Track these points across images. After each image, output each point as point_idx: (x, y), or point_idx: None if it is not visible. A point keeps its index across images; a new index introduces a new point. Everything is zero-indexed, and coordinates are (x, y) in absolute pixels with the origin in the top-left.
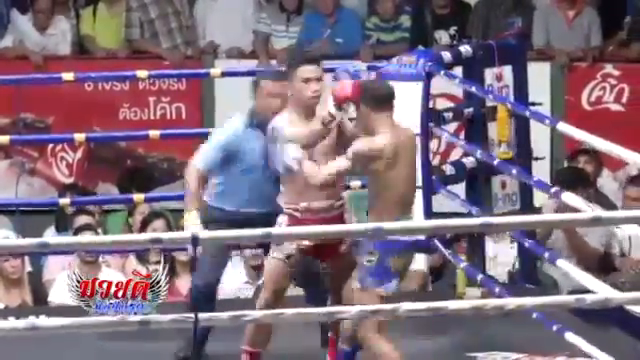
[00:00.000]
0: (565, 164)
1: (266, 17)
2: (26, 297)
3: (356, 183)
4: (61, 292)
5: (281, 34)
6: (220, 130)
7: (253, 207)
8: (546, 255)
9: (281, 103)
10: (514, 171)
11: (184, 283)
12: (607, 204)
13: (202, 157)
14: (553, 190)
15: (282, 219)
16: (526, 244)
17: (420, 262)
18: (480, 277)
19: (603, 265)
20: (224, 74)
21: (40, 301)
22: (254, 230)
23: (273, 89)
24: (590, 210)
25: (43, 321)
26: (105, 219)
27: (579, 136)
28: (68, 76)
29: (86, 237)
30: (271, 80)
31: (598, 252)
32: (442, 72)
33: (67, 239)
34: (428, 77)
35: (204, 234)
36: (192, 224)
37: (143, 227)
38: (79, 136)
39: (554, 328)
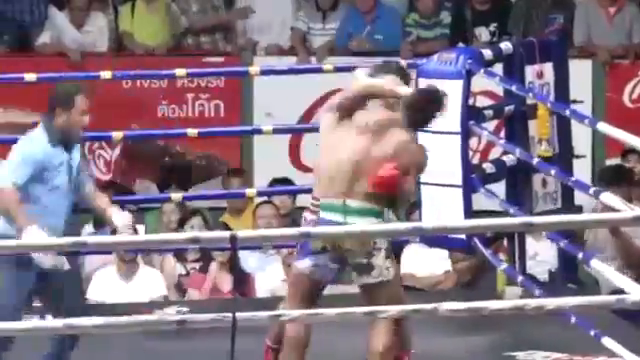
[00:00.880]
0: (607, 162)
1: (303, 15)
2: None
3: None
4: (99, 290)
5: (318, 31)
6: (25, 145)
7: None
8: (580, 255)
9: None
10: (553, 170)
11: (223, 282)
12: None
13: (14, 172)
14: (592, 190)
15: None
16: (561, 244)
17: (446, 264)
18: (520, 278)
19: None
20: (263, 72)
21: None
22: (292, 229)
23: (86, 106)
24: (630, 209)
25: (80, 320)
26: (142, 216)
27: (618, 136)
28: (106, 74)
29: (123, 236)
30: (85, 96)
31: None
32: (482, 70)
33: (105, 238)
34: (468, 75)
35: (242, 233)
36: (38, 235)
37: (181, 225)
38: (117, 134)
39: (592, 332)
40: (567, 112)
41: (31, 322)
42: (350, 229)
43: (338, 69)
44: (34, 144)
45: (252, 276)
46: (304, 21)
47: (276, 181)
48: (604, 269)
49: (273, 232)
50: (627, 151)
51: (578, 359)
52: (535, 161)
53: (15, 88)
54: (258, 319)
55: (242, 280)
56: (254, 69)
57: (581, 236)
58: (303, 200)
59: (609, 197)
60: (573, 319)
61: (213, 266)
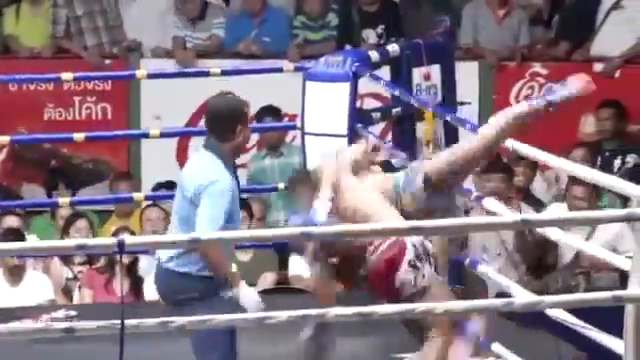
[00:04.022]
0: None
1: (177, 21)
2: None
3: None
4: None
5: (189, 38)
6: (216, 183)
7: None
8: (467, 262)
9: None
10: None
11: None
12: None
13: (214, 225)
14: (474, 195)
15: None
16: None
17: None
18: None
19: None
20: (150, 76)
21: None
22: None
23: None
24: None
25: None
26: (30, 220)
27: (507, 143)
28: None
29: (14, 243)
30: None
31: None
32: (368, 74)
33: None
34: (355, 77)
35: (130, 239)
36: (252, 295)
37: (66, 227)
38: (3, 138)
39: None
40: (449, 117)
41: None
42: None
43: (225, 72)
44: (222, 176)
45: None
46: (178, 27)
47: (161, 185)
48: (490, 272)
49: (160, 238)
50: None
51: None
52: None
53: None
54: (146, 326)
55: (135, 284)
56: (141, 72)
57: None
58: None
59: (491, 202)
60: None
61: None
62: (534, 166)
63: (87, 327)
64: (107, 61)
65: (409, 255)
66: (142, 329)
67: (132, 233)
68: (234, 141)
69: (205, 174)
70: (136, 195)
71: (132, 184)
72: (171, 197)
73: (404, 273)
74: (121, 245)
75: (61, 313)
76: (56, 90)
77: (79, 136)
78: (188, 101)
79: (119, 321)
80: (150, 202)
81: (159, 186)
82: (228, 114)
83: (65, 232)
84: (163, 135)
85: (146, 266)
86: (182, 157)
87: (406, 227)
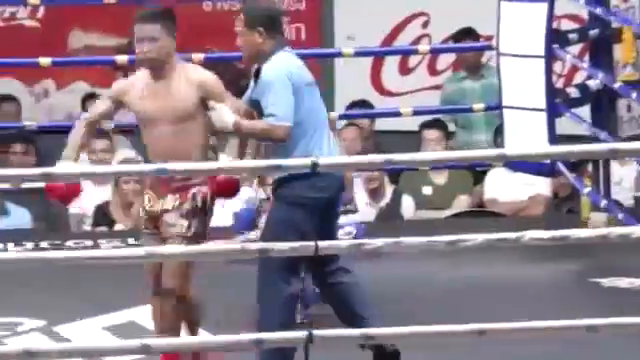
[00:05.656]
0: None
1: None
2: None
3: None
4: None
5: None
6: None
7: None
8: None
9: None
10: (634, 94)
11: None
12: None
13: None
14: None
15: None
16: None
17: (543, 187)
18: (604, 202)
19: None
20: None
21: None
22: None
23: None
24: None
25: (161, 249)
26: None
27: None
28: None
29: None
30: None
31: None
32: None
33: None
34: None
35: (323, 160)
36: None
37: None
38: (196, 56)
39: None
40: None
41: None
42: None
43: None
44: None
45: None
46: None
47: (354, 104)
48: None
49: (354, 159)
50: None
51: None
52: (618, 85)
53: (95, 9)
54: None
55: None
56: None
57: None
58: (383, 124)
59: None
60: None
61: None
62: None
63: (282, 248)
64: None
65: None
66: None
67: None
68: None
69: None
70: (330, 114)
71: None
72: (366, 116)
73: (175, 218)
74: (315, 165)
75: (255, 234)
76: None
77: None
78: (382, 21)
79: (312, 243)
80: (346, 122)
81: (353, 105)
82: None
83: (257, 152)
84: (357, 54)
85: None
86: (375, 77)
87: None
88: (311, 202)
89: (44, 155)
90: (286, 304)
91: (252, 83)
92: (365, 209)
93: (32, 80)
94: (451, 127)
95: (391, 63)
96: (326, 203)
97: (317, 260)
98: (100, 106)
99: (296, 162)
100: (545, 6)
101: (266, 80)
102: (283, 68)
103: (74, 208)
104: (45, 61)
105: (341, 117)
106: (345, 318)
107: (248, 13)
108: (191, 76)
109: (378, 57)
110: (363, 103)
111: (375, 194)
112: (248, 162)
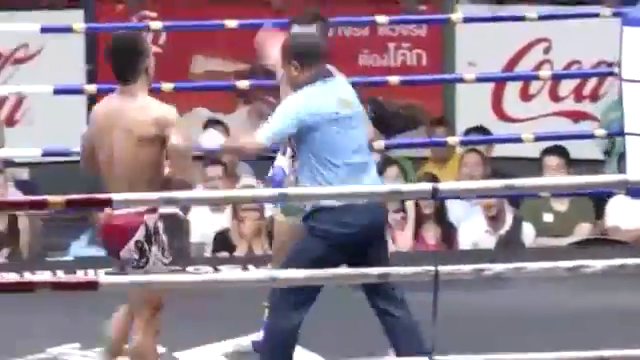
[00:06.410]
0: None
1: None
2: (264, 244)
3: None
4: None
5: None
6: None
7: None
8: None
9: None
10: None
11: (427, 233)
12: None
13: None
14: None
15: None
16: None
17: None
18: None
19: None
20: (465, 20)
21: None
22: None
23: None
24: None
25: (282, 272)
26: None
27: None
28: None
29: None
30: None
31: None
32: None
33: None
34: None
35: (444, 186)
36: None
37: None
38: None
39: None
40: None
41: None
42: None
43: (541, 17)
44: None
45: (455, 227)
46: None
47: (472, 130)
48: None
49: (475, 184)
50: None
51: None
52: None
53: (217, 35)
54: (461, 272)
55: (446, 232)
56: (456, 16)
57: None
58: (502, 150)
59: None
60: None
61: (411, 217)
62: None
63: (400, 273)
64: (422, 7)
65: (139, 234)
66: (455, 276)
67: (435, 180)
68: None
69: None
70: (450, 139)
71: (448, 130)
72: (486, 141)
73: (128, 251)
74: (435, 191)
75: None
76: (371, 36)
77: (394, 79)
78: (503, 47)
79: (433, 268)
80: (468, 147)
81: (470, 130)
82: None
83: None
84: (478, 80)
85: (460, 211)
86: (496, 103)
87: None
88: (333, 237)
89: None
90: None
91: None
92: (484, 236)
93: None
94: (598, 155)
95: (512, 89)
96: (352, 238)
97: (373, 287)
98: None
99: (415, 187)
100: None
101: (281, 104)
102: (300, 104)
103: (195, 236)
104: (167, 86)
105: (462, 143)
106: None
107: (284, 47)
108: None
109: (499, 83)
110: (480, 129)
111: (495, 221)
112: (367, 187)
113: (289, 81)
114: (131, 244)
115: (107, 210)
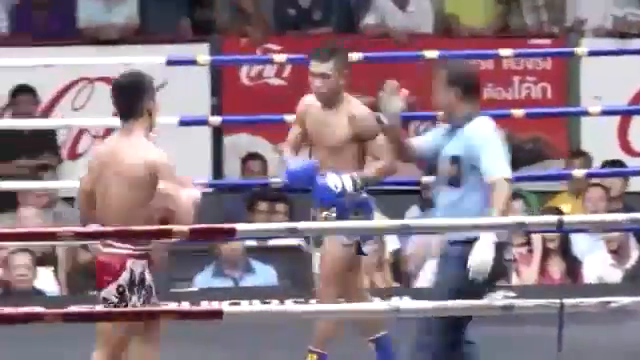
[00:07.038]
0: None
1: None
2: (387, 277)
3: None
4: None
5: (631, 16)
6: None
7: None
8: None
9: None
10: None
11: (552, 267)
12: None
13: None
14: None
15: None
16: None
17: None
18: None
19: None
20: (590, 53)
21: (401, 281)
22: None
23: None
24: None
25: (406, 303)
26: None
27: None
28: (431, 54)
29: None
30: None
31: None
32: None
33: (428, 221)
34: None
35: (569, 218)
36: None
37: None
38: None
39: None
40: None
41: None
42: None
43: None
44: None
45: (580, 261)
46: (619, 5)
47: (606, 164)
48: None
49: (599, 217)
50: None
51: None
52: None
53: None
54: (587, 305)
55: (571, 265)
56: (581, 50)
57: None
58: (635, 184)
59: None
60: None
61: (538, 250)
62: None
63: (525, 305)
64: (547, 41)
65: (122, 279)
66: (581, 309)
67: (559, 213)
68: None
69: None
70: (575, 172)
71: (586, 163)
72: (613, 175)
73: (108, 293)
74: (560, 223)
75: (499, 294)
76: (496, 69)
77: (518, 112)
78: (629, 80)
79: (558, 300)
80: (592, 182)
81: (606, 164)
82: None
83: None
84: (604, 113)
85: (584, 245)
86: (622, 137)
87: None
88: None
89: (298, 214)
90: None
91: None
92: (609, 270)
93: (278, 138)
94: None
95: (638, 123)
96: None
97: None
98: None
99: (541, 219)
100: None
101: (483, 136)
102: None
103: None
104: (290, 118)
105: (589, 176)
106: None
107: (450, 70)
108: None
109: (624, 117)
110: (615, 163)
111: (619, 255)
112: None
113: (445, 105)
114: (113, 286)
115: (96, 246)
